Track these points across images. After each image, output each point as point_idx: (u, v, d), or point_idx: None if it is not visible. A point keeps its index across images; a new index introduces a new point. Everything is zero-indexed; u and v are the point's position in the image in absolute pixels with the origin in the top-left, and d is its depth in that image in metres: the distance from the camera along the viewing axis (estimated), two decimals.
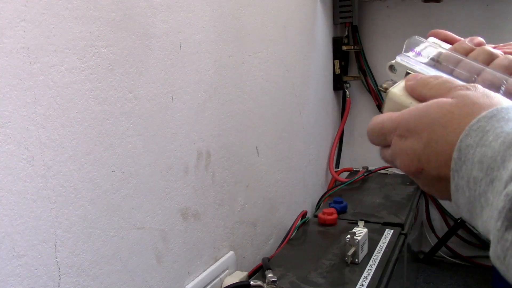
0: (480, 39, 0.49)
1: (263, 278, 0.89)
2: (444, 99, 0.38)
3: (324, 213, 1.16)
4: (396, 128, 0.40)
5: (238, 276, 0.91)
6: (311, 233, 1.12)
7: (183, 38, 0.76)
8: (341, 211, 1.22)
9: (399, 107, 0.43)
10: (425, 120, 0.38)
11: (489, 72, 0.44)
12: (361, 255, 0.96)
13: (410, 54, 0.47)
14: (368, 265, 0.94)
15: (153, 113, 0.71)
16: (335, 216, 1.16)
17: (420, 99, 0.41)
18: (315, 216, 1.22)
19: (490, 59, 0.45)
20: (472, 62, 0.44)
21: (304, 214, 1.17)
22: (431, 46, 0.47)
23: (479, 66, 0.44)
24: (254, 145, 1.02)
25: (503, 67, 0.44)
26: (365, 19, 1.58)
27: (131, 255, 0.68)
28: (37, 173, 0.53)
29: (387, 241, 1.05)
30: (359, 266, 0.94)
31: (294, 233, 1.10)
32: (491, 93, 0.38)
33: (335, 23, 1.52)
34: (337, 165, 1.56)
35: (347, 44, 1.54)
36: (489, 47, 0.46)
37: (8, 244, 0.51)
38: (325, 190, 1.44)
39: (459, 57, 0.45)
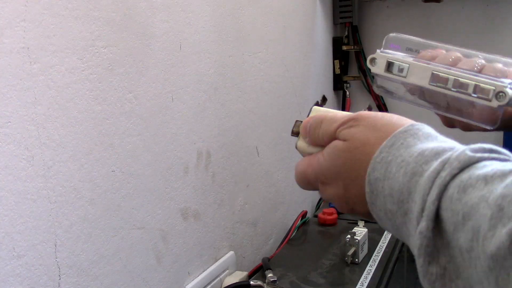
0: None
1: (263, 278, 0.89)
2: (339, 145, 0.39)
3: (324, 213, 1.16)
4: (316, 178, 0.41)
5: (238, 276, 0.91)
6: (311, 233, 1.12)
7: (183, 38, 0.76)
8: None
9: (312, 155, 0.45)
10: (334, 170, 0.39)
11: (469, 59, 0.46)
12: (361, 255, 0.96)
13: (389, 47, 0.49)
14: (368, 265, 0.94)
15: (153, 113, 0.71)
16: (335, 216, 1.16)
17: (323, 146, 0.42)
18: (315, 216, 1.22)
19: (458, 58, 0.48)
20: (454, 50, 0.47)
21: (304, 214, 1.17)
22: (410, 37, 0.49)
23: (460, 55, 0.46)
24: (254, 145, 1.02)
25: (475, 63, 0.46)
26: (365, 19, 1.58)
27: (131, 255, 0.68)
28: (37, 173, 0.53)
29: (387, 241, 1.05)
30: (359, 266, 0.94)
31: (294, 233, 1.10)
32: (377, 122, 0.37)
33: (335, 23, 1.52)
34: None
35: (347, 44, 1.54)
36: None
37: (8, 244, 0.51)
38: None
39: (440, 44, 0.48)
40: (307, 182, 0.43)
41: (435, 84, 0.45)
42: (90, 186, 0.61)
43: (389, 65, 0.47)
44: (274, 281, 0.86)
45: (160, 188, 0.73)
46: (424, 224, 0.30)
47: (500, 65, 0.46)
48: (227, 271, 0.92)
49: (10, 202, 0.51)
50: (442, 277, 0.30)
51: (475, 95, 0.43)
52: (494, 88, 0.42)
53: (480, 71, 0.45)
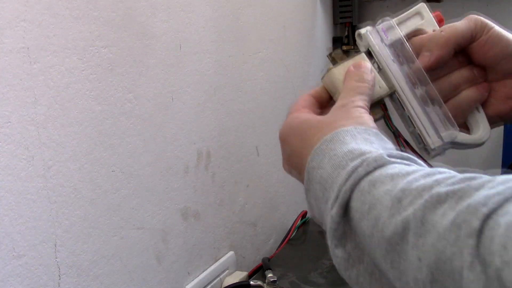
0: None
1: (263, 278, 0.89)
2: (318, 117, 0.42)
3: None
4: (280, 132, 0.45)
5: (238, 276, 0.91)
6: (311, 233, 1.12)
7: (183, 38, 0.76)
8: None
9: (331, 86, 0.46)
10: (295, 132, 0.43)
11: (431, 90, 0.46)
12: None
13: (379, 28, 0.47)
14: None
15: (153, 113, 0.71)
16: None
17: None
18: None
19: (447, 71, 0.47)
20: (423, 71, 0.45)
21: (304, 214, 1.16)
22: (397, 30, 0.48)
23: (427, 79, 0.45)
24: (254, 145, 1.02)
25: (452, 86, 0.46)
26: (365, 19, 1.58)
27: (131, 255, 0.68)
28: (37, 173, 0.53)
29: None
30: None
31: (294, 233, 1.10)
32: (356, 113, 0.40)
33: (335, 23, 1.52)
34: None
35: (347, 44, 1.54)
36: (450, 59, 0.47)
37: (8, 244, 0.51)
38: None
39: (414, 59, 0.46)
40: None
41: (390, 100, 0.47)
42: (90, 186, 0.61)
43: (369, 52, 0.48)
44: (274, 281, 0.86)
45: (160, 188, 0.73)
46: (335, 210, 0.34)
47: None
48: (227, 271, 0.92)
49: (10, 202, 0.51)
50: (346, 261, 0.34)
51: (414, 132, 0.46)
52: (428, 143, 0.45)
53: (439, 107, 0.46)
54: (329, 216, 0.34)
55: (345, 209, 0.34)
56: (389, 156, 0.35)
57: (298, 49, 1.22)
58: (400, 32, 0.47)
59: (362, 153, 0.36)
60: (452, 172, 0.31)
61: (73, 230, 0.58)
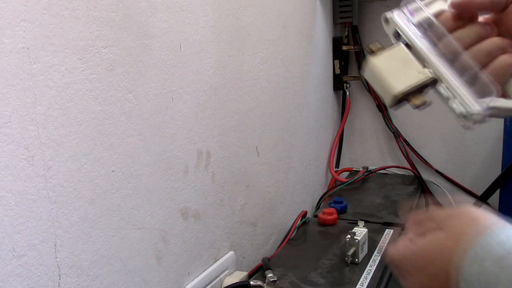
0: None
1: (263, 278, 0.89)
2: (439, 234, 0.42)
3: (324, 213, 1.16)
4: (401, 264, 0.44)
5: (238, 276, 0.91)
6: (311, 233, 1.12)
7: (183, 38, 0.76)
8: (341, 211, 1.22)
9: (374, 79, 0.45)
10: (423, 259, 0.42)
11: (465, 58, 0.44)
12: (361, 255, 0.96)
13: (405, 10, 0.47)
14: (368, 265, 0.94)
15: (153, 113, 0.71)
16: (335, 216, 1.16)
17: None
18: (315, 216, 1.22)
19: (477, 39, 0.45)
20: (454, 42, 0.45)
21: (304, 214, 1.17)
22: (424, 8, 0.47)
23: (459, 49, 0.45)
24: (254, 145, 1.02)
25: (486, 53, 0.44)
26: (365, 19, 1.58)
27: (131, 255, 0.68)
28: (37, 173, 0.53)
29: (387, 241, 1.05)
30: (359, 266, 0.94)
31: (294, 233, 1.10)
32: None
33: (335, 23, 1.52)
34: (337, 165, 1.56)
35: (347, 44, 1.54)
36: (480, 26, 0.45)
37: (8, 244, 0.51)
38: (325, 190, 1.44)
39: (445, 32, 0.45)
40: (395, 264, 0.45)
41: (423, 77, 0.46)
42: (90, 186, 0.61)
43: (397, 34, 0.47)
44: (274, 281, 0.86)
45: (160, 188, 0.73)
46: None
47: (492, 46, 0.45)
48: (227, 271, 0.92)
49: (10, 202, 0.51)
50: None
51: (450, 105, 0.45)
52: (469, 110, 0.44)
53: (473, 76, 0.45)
54: None
55: None
56: None
57: (298, 49, 1.22)
58: (427, 10, 0.47)
59: None
60: None
61: (73, 230, 0.58)
